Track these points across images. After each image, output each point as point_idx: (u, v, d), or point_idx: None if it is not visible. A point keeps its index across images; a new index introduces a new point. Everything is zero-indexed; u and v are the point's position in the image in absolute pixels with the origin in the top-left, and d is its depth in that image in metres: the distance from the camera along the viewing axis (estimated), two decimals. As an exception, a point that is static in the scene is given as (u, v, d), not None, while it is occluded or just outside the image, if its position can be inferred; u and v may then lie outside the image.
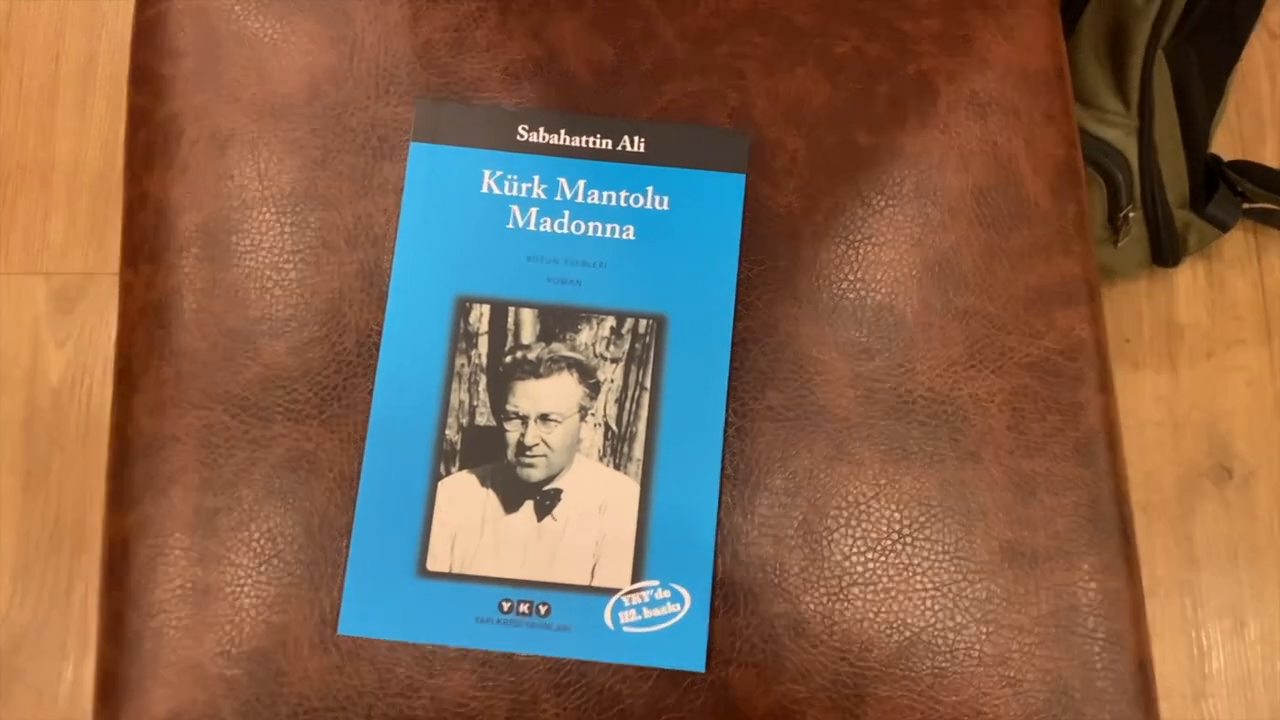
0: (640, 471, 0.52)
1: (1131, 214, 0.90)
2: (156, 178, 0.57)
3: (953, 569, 0.52)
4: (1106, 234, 0.92)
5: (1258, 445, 0.98)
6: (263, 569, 0.51)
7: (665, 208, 0.55)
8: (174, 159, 0.56)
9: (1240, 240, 1.02)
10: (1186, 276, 1.02)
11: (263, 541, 0.52)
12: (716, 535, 0.52)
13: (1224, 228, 0.94)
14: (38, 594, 0.95)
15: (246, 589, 0.51)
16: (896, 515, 0.52)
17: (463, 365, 0.53)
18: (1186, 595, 0.95)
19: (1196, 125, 0.88)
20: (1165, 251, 0.95)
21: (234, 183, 0.56)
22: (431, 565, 0.51)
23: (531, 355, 0.53)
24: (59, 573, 0.95)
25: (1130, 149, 0.87)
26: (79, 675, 0.93)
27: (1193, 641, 0.94)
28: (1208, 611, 0.95)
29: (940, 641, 0.51)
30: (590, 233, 0.55)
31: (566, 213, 0.55)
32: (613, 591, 0.51)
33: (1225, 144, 1.04)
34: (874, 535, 0.52)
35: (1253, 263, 1.02)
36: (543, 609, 0.51)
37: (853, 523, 0.52)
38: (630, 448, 0.52)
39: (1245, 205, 0.96)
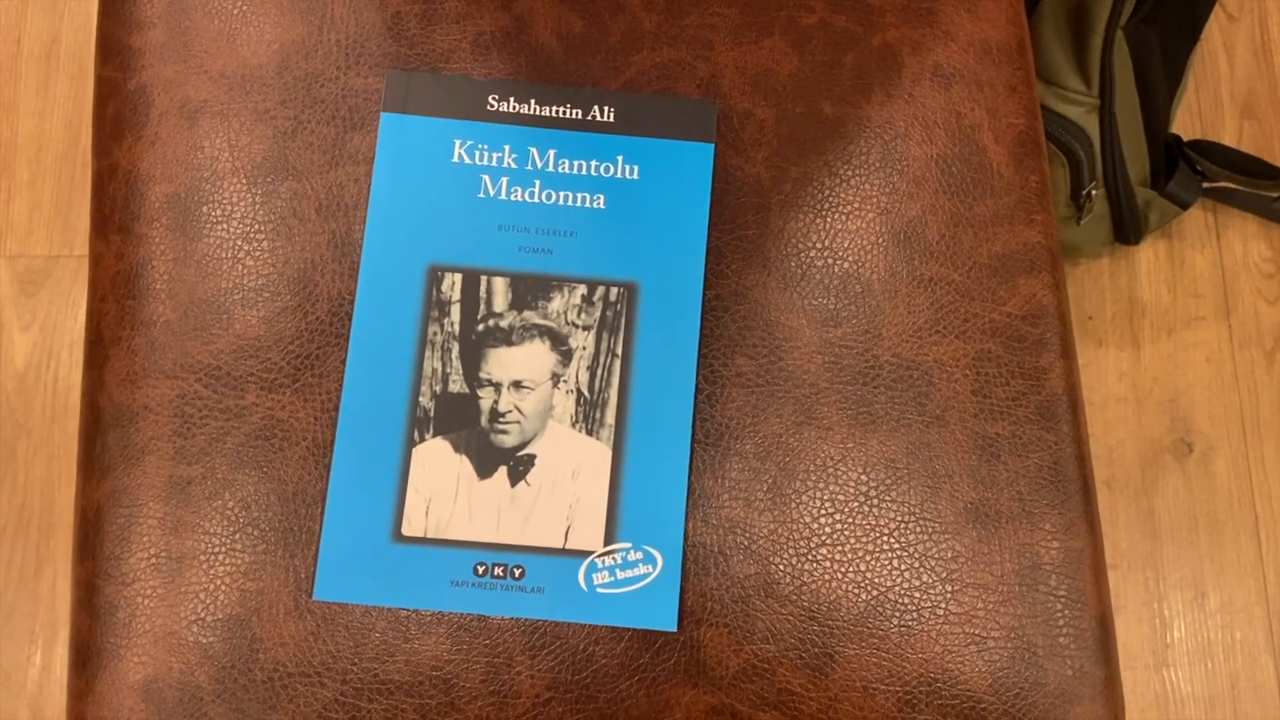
0: (612, 437, 0.53)
1: (1094, 191, 0.91)
2: (126, 149, 0.56)
3: (918, 530, 0.52)
4: (1070, 212, 0.94)
5: (1217, 420, 1.00)
6: (237, 537, 0.52)
7: (635, 177, 0.56)
8: (143, 130, 0.56)
9: (1200, 219, 1.04)
10: (1148, 254, 1.03)
11: (237, 510, 0.52)
12: (687, 498, 0.52)
13: (1184, 206, 0.96)
14: (5, 578, 0.94)
15: (221, 557, 0.51)
16: (863, 478, 0.53)
17: (435, 333, 0.53)
18: (1149, 568, 0.97)
19: (1156, 105, 0.89)
20: (1127, 229, 0.96)
21: (204, 154, 0.56)
22: (406, 530, 0.51)
23: (504, 323, 0.54)
24: (27, 557, 0.94)
25: (1092, 127, 0.89)
26: (47, 660, 0.93)
27: (1155, 613, 0.96)
28: (1169, 583, 0.97)
29: (906, 600, 0.52)
30: (561, 202, 0.55)
31: (537, 182, 0.55)
32: (586, 554, 0.51)
33: (1185, 124, 1.06)
34: (841, 498, 0.53)
35: (1212, 241, 1.04)
36: (517, 572, 0.51)
37: (821, 485, 0.53)
38: (602, 414, 0.53)
39: (1205, 184, 0.97)
